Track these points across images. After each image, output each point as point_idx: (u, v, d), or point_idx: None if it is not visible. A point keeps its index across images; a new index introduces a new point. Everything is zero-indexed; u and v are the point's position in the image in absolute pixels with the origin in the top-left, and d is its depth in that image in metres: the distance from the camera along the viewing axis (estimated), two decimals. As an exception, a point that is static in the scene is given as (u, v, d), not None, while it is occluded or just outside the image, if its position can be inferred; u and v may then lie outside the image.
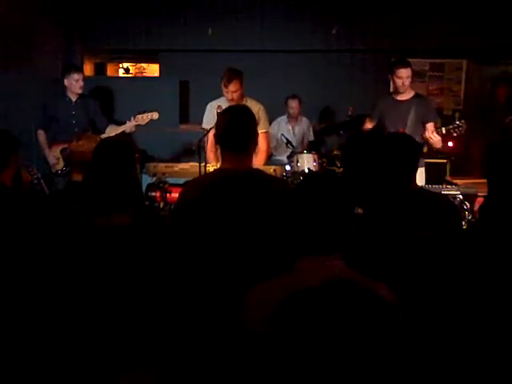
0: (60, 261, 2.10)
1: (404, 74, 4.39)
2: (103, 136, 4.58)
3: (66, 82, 5.04)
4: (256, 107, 4.19)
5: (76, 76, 5.00)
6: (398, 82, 4.43)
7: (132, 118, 4.78)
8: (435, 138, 4.19)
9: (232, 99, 4.16)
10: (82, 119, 5.06)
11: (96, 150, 2.40)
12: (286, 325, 1.39)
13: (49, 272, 2.22)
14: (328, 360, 1.38)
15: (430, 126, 4.40)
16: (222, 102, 4.29)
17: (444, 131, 4.19)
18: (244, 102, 4.20)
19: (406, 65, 4.42)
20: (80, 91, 5.07)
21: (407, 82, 4.41)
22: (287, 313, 1.42)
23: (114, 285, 1.97)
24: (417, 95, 4.55)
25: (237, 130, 2.24)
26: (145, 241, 2.09)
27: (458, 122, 4.17)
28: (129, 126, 4.80)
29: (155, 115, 4.75)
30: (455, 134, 4.18)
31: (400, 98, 4.52)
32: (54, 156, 4.85)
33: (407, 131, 4.29)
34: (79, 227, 2.04)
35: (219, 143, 2.31)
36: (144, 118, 4.75)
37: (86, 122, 5.08)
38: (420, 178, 4.46)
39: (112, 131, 4.86)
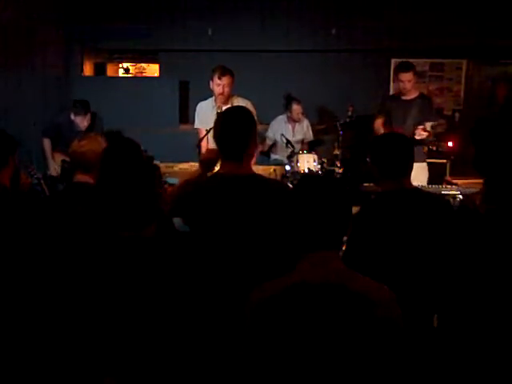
0: (66, 264, 2.09)
1: (405, 77, 4.55)
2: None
3: (71, 116, 5.03)
4: (243, 103, 4.24)
5: (78, 119, 4.98)
6: (401, 85, 4.61)
7: None
8: (421, 135, 4.35)
9: (222, 93, 4.23)
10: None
11: (106, 154, 2.39)
12: (262, 326, 1.40)
13: (50, 273, 2.22)
14: (300, 361, 1.38)
15: (426, 125, 4.48)
16: (211, 102, 4.36)
17: (428, 128, 4.36)
18: (232, 100, 4.28)
19: (407, 69, 4.56)
20: (84, 129, 5.02)
21: (408, 85, 4.55)
22: (261, 315, 1.42)
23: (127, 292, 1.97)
24: (421, 95, 4.69)
25: (234, 138, 2.20)
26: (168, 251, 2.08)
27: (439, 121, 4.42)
28: None
29: None
30: (439, 130, 4.41)
31: (404, 97, 4.66)
32: (56, 169, 4.94)
33: (406, 129, 4.36)
34: (104, 237, 2.02)
35: (217, 147, 2.29)
36: None
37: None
38: (423, 173, 4.53)
39: None
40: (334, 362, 1.42)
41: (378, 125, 4.80)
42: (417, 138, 4.32)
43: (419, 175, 4.35)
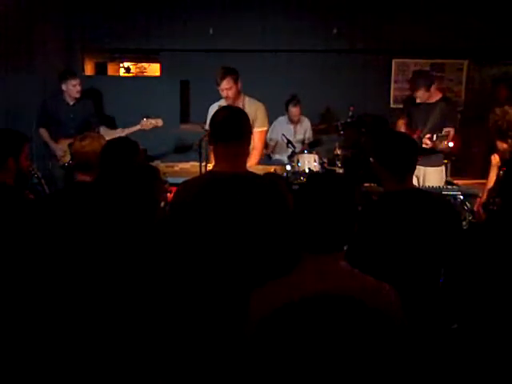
0: (63, 262, 2.09)
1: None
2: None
3: (63, 86, 5.16)
4: (255, 106, 4.19)
5: (73, 82, 5.12)
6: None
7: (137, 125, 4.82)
8: (427, 144, 4.19)
9: (227, 97, 4.12)
10: (79, 120, 5.17)
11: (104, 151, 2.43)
12: (271, 337, 1.39)
13: (49, 270, 2.22)
14: (308, 370, 1.38)
15: (445, 131, 4.37)
16: (223, 103, 4.30)
17: (435, 138, 4.16)
18: (242, 101, 4.20)
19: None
20: (78, 95, 5.18)
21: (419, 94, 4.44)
22: (271, 326, 1.41)
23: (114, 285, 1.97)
24: (444, 98, 4.53)
25: (229, 121, 2.19)
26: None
27: (444, 132, 4.14)
28: (126, 132, 4.84)
29: (160, 122, 4.76)
30: (444, 142, 4.13)
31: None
32: (62, 149, 4.98)
33: (424, 132, 4.26)
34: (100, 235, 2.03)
35: (212, 140, 2.25)
36: (148, 124, 4.78)
37: (84, 122, 5.19)
38: (440, 176, 4.43)
39: (107, 134, 4.89)
40: (339, 369, 1.41)
41: (400, 126, 4.75)
42: (423, 146, 4.15)
43: (437, 179, 4.28)
